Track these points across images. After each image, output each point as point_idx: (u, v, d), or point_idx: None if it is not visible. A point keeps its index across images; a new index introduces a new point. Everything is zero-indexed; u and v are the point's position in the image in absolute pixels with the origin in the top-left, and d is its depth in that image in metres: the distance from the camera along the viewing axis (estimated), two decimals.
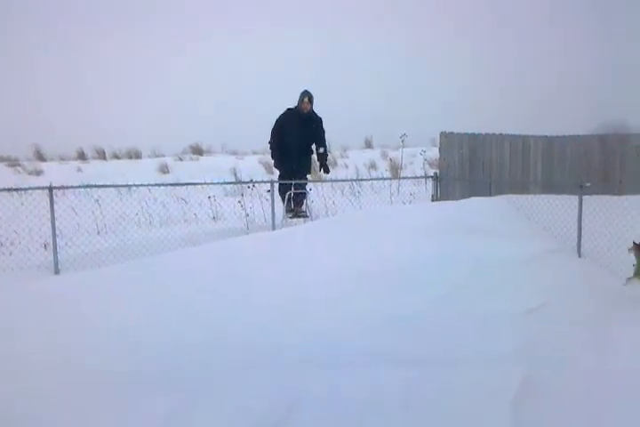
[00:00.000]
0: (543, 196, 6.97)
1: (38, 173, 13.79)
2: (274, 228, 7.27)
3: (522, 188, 8.58)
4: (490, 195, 7.82)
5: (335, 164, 14.89)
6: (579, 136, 8.76)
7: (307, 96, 8.46)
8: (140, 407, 2.76)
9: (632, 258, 4.72)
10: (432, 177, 8.65)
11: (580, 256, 5.63)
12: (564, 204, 6.23)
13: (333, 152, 16.19)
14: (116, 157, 17.73)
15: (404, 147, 13.11)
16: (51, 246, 6.54)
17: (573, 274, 4.87)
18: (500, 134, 8.98)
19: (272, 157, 8.96)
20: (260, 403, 2.80)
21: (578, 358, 3.41)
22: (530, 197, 7.05)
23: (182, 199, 9.49)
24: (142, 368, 3.03)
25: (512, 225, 6.02)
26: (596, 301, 4.33)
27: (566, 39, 24.21)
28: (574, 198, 6.05)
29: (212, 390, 2.89)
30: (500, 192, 8.05)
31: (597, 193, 6.94)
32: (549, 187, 8.35)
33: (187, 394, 2.84)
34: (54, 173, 13.41)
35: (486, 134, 9.01)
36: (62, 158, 17.09)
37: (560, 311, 3.98)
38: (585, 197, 5.97)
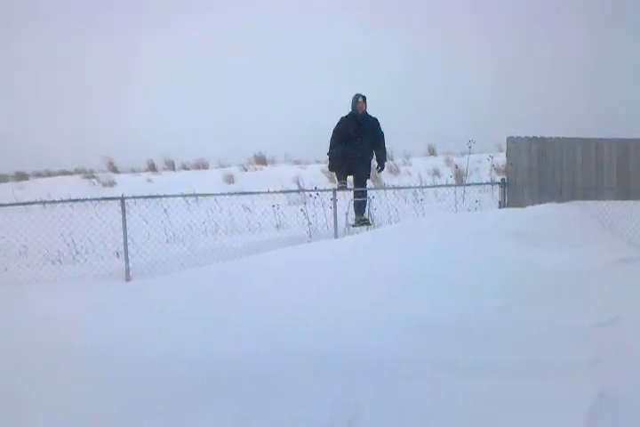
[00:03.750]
0: (619, 202, 6.65)
1: (112, 184, 14.41)
2: (336, 236, 7.28)
3: (596, 193, 8.21)
4: (561, 201, 7.52)
5: (398, 171, 14.76)
6: None
7: (360, 96, 8.59)
8: (202, 412, 2.80)
9: None
10: (499, 183, 8.43)
11: None
12: None
13: (396, 159, 16.05)
14: (185, 167, 18.28)
15: (470, 153, 12.84)
16: (122, 254, 6.82)
17: None
18: (571, 138, 8.62)
19: (331, 168, 9.07)
20: (320, 413, 2.78)
21: None
22: (604, 202, 6.73)
23: (247, 208, 9.66)
24: (207, 374, 3.08)
25: (585, 233, 5.75)
26: None
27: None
28: None
29: (273, 398, 2.89)
30: (571, 198, 7.72)
31: None
32: (626, 192, 7.94)
33: (246, 402, 2.86)
34: (126, 184, 13.96)
35: (556, 138, 8.67)
36: (134, 170, 17.80)
37: (635, 325, 3.73)
38: None
